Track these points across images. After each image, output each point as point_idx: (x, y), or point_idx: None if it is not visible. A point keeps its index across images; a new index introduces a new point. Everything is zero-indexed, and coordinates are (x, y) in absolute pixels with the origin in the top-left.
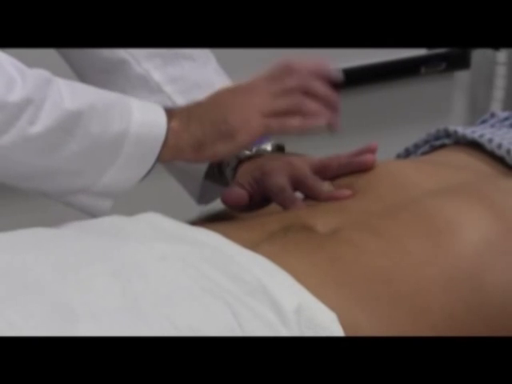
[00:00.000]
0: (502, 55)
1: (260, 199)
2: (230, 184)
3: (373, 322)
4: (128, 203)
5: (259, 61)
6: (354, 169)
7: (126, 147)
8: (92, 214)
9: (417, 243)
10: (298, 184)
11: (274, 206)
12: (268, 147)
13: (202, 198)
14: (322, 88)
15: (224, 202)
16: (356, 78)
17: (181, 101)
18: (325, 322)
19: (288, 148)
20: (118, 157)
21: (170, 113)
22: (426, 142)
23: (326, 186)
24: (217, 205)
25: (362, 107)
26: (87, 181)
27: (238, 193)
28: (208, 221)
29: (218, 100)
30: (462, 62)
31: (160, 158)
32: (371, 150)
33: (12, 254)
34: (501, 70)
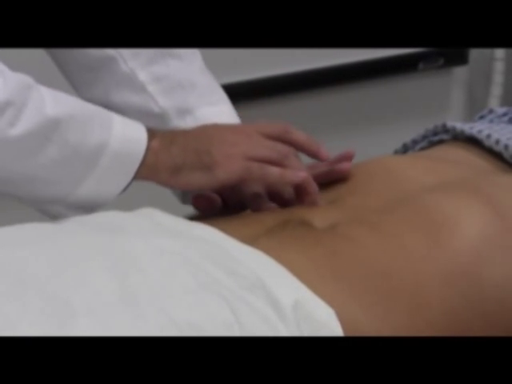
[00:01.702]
0: (499, 51)
1: (236, 204)
2: None
3: (370, 317)
4: (126, 198)
5: (255, 60)
6: (331, 178)
7: (103, 160)
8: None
9: (414, 238)
10: (274, 195)
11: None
12: None
13: (186, 198)
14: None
15: (194, 206)
16: (354, 74)
17: (163, 101)
18: (322, 318)
19: None
20: (95, 169)
21: (152, 132)
22: (424, 137)
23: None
24: None
25: (360, 103)
26: (63, 191)
27: (210, 197)
28: (206, 216)
29: (206, 131)
30: (460, 58)
31: (136, 176)
32: (347, 158)
33: (10, 249)
34: (499, 66)
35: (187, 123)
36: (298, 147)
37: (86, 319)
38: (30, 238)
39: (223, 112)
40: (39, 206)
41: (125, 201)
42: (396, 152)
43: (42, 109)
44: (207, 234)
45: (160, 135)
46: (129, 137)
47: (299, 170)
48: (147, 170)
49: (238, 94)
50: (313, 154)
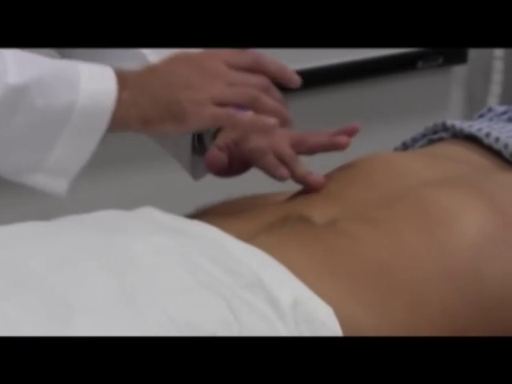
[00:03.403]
0: (499, 50)
1: (239, 165)
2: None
3: (369, 315)
4: (125, 197)
5: None
6: (329, 149)
7: (73, 119)
8: (50, 194)
9: (414, 235)
10: (275, 156)
11: (269, 197)
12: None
13: (196, 173)
14: (276, 98)
15: (207, 165)
16: (353, 73)
17: None
18: (321, 317)
19: None
20: (65, 129)
21: (123, 80)
22: (424, 135)
23: (300, 167)
24: (213, 198)
25: (360, 102)
26: (36, 157)
27: (218, 156)
28: (204, 214)
29: (173, 73)
30: (459, 57)
31: (109, 129)
32: (350, 132)
33: (9, 248)
34: (498, 65)
35: None
36: (270, 77)
37: (85, 318)
38: (28, 237)
39: None
40: (17, 177)
41: (123, 199)
42: (395, 150)
43: (4, 78)
44: (206, 231)
45: (130, 85)
46: (97, 92)
47: (270, 116)
48: (118, 123)
49: None
50: (285, 82)
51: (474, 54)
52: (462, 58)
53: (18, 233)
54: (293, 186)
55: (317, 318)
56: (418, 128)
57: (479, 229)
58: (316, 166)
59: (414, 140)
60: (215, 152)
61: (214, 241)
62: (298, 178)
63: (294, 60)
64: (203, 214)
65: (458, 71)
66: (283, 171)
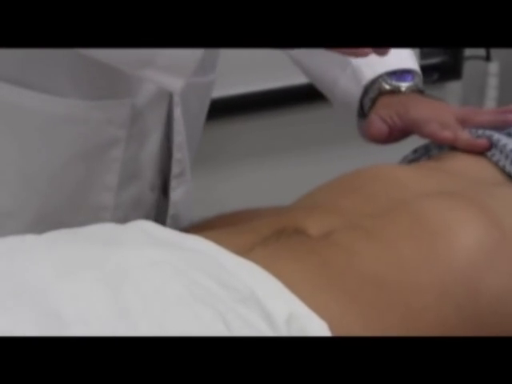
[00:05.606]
0: (493, 66)
1: (398, 134)
2: (366, 113)
3: (365, 328)
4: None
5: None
6: (497, 126)
7: None
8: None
9: (411, 248)
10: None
11: (264, 211)
12: (404, 85)
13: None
14: None
15: (366, 134)
16: None
17: None
18: (315, 331)
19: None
20: None
21: None
22: (426, 149)
23: (465, 133)
24: (208, 212)
25: None
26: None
27: (380, 127)
28: (200, 228)
29: None
30: (454, 73)
31: None
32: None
33: (5, 260)
34: (492, 81)
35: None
36: None
37: (77, 331)
38: (23, 250)
39: None
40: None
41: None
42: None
43: None
44: (201, 245)
45: None
46: None
47: None
48: None
49: (247, 105)
50: None
51: (468, 70)
52: (456, 74)
53: (14, 245)
54: (290, 198)
55: (311, 333)
56: (414, 144)
57: (476, 242)
58: (312, 175)
59: (415, 152)
60: (377, 123)
61: (209, 254)
62: (463, 143)
63: (299, 74)
64: (198, 228)
65: (453, 87)
66: (448, 134)
